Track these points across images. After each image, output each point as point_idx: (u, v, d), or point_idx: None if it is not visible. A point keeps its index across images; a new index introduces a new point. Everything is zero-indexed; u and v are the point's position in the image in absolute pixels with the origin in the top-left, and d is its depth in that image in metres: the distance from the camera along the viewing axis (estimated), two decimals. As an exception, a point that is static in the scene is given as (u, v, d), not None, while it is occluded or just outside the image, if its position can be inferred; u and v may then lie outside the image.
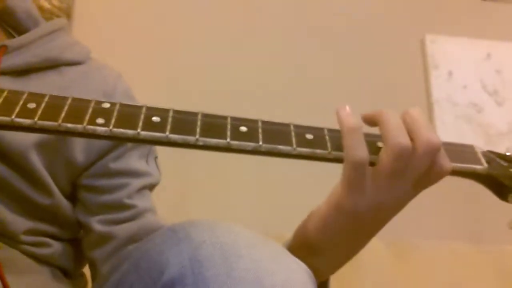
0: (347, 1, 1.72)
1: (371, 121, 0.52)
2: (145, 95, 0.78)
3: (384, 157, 0.49)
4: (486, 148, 0.57)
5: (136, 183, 0.71)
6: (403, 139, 0.48)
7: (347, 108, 0.51)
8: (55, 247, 0.69)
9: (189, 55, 1.55)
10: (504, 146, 1.52)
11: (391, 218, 0.53)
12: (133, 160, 0.72)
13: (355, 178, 0.50)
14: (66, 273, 0.72)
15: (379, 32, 1.69)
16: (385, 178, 0.49)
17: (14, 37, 0.71)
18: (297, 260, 0.48)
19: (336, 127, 0.53)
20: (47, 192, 0.67)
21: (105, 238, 0.69)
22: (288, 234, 0.61)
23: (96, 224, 0.69)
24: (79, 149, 0.69)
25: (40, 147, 0.65)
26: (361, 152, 0.49)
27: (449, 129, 1.60)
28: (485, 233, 1.46)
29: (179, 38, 1.57)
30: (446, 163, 0.51)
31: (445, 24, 1.75)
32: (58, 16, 1.45)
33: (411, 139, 0.49)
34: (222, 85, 1.53)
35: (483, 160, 0.54)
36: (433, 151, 0.49)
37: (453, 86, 1.67)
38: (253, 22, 1.64)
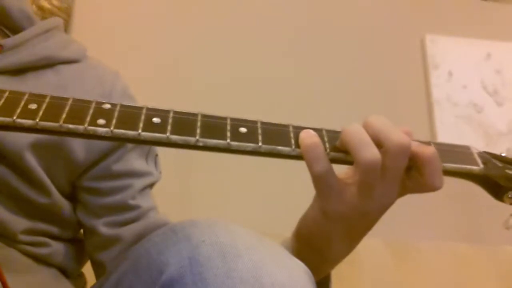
0: (347, 1, 1.72)
1: (341, 145, 0.51)
2: (144, 95, 0.78)
3: (356, 172, 0.50)
4: (486, 148, 0.58)
5: (139, 183, 0.71)
6: (369, 153, 0.48)
7: (311, 131, 0.52)
8: (54, 247, 0.69)
9: (189, 55, 1.55)
10: (504, 146, 1.53)
11: (381, 216, 0.54)
12: (134, 160, 0.72)
13: (321, 187, 0.52)
14: (65, 273, 0.72)
15: (379, 32, 1.68)
16: (361, 190, 0.50)
17: (9, 36, 0.71)
18: (296, 260, 0.48)
19: (335, 127, 0.53)
20: (45, 191, 0.67)
21: (112, 241, 0.69)
22: (288, 234, 0.61)
23: (102, 227, 0.69)
24: (80, 147, 0.68)
25: (37, 146, 0.65)
26: (318, 166, 0.50)
27: (449, 129, 1.60)
28: (485, 233, 1.46)
29: (179, 38, 1.57)
30: (428, 148, 0.51)
31: (445, 24, 1.75)
32: (57, 16, 1.45)
33: (381, 146, 0.49)
34: (221, 85, 1.53)
35: (479, 161, 0.55)
36: (406, 151, 0.49)
37: (453, 86, 1.67)
38: (252, 21, 1.63)
